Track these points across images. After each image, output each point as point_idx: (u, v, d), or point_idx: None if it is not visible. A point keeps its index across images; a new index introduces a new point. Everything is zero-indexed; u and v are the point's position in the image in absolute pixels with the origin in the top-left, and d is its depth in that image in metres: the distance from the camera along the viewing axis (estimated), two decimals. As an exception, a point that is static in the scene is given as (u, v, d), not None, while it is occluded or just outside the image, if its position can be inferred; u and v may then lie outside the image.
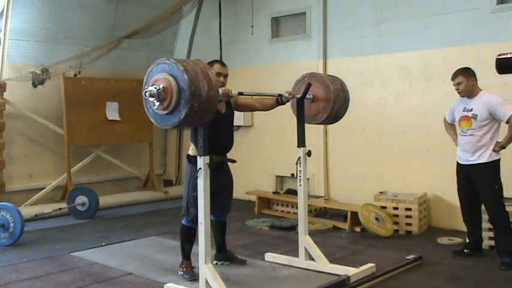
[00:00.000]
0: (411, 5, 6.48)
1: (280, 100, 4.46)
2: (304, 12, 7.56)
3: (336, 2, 7.21)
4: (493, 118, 4.69)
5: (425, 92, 6.41)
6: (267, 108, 4.59)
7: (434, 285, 4.29)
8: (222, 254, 4.68)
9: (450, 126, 5.20)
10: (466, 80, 4.76)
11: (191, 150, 4.20)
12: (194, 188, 3.91)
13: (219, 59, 8.32)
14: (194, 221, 4.02)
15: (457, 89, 4.84)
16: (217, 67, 4.22)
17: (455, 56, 6.01)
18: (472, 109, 4.77)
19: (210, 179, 3.76)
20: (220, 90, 3.96)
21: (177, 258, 4.44)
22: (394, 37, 6.65)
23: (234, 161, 4.29)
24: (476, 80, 4.81)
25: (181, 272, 4.30)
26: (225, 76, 4.27)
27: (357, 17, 7.00)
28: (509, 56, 3.71)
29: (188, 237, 4.32)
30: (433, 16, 6.27)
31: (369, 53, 6.88)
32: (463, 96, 4.87)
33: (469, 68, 4.85)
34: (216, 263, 4.57)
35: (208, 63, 4.18)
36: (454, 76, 4.84)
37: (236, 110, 4.49)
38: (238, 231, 6.03)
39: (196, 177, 3.77)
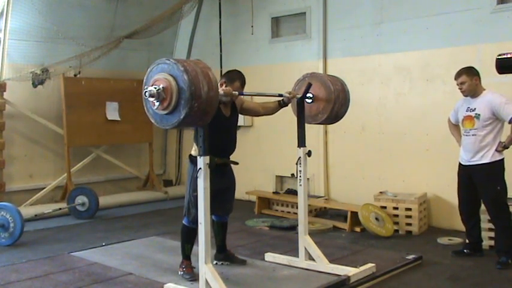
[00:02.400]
0: (411, 5, 6.48)
1: (282, 103, 4.48)
2: (304, 12, 7.56)
3: (336, 2, 7.21)
4: (496, 118, 4.67)
5: (425, 92, 6.41)
6: (270, 112, 4.60)
7: (434, 285, 4.29)
8: (222, 254, 4.67)
9: (454, 127, 5.16)
10: (469, 80, 4.73)
11: (194, 150, 4.19)
12: (195, 188, 3.92)
13: (219, 59, 8.36)
14: (194, 221, 4.02)
15: (460, 89, 4.81)
16: (238, 85, 4.22)
17: (455, 56, 6.01)
18: (475, 109, 4.75)
19: (212, 180, 3.77)
20: (221, 91, 3.97)
21: (177, 258, 4.44)
22: (394, 37, 6.64)
23: (236, 163, 4.32)
24: (479, 79, 4.78)
25: (181, 272, 4.31)
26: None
27: (357, 17, 7.00)
28: (509, 56, 3.71)
29: (189, 237, 4.32)
30: (433, 16, 6.27)
31: (369, 53, 6.88)
32: (466, 96, 4.84)
33: (473, 68, 4.82)
34: (216, 263, 4.56)
35: (230, 75, 4.23)
36: (458, 75, 4.81)
37: (241, 114, 4.53)
38: (238, 231, 6.02)
39: (196, 177, 3.78)
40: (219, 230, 4.63)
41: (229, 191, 4.48)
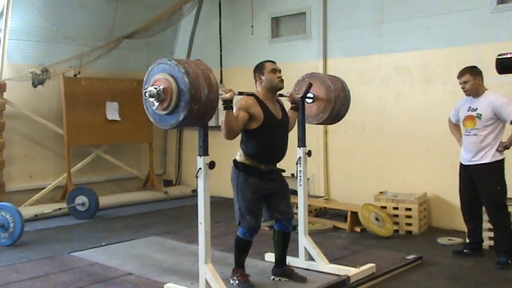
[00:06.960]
0: (411, 5, 6.48)
1: (295, 108, 4.37)
2: (304, 12, 7.56)
3: (336, 2, 7.21)
4: (497, 118, 4.65)
5: (425, 92, 6.41)
6: (295, 122, 4.41)
7: (434, 285, 4.29)
8: (280, 269, 4.26)
9: (455, 127, 5.15)
10: (472, 79, 4.72)
11: (239, 155, 3.99)
12: (244, 194, 3.87)
13: (219, 59, 8.37)
14: (252, 228, 3.90)
15: (462, 88, 4.79)
16: (270, 65, 4.01)
17: (455, 56, 6.01)
18: (476, 108, 4.73)
19: (258, 185, 3.85)
20: (221, 91, 3.94)
21: (177, 258, 4.45)
22: (394, 37, 6.65)
23: (283, 171, 4.15)
24: (482, 79, 4.77)
25: (236, 281, 4.03)
26: (280, 71, 4.05)
27: (357, 17, 7.00)
28: (509, 56, 3.72)
29: (243, 250, 4.05)
30: (433, 16, 6.27)
31: (369, 53, 6.88)
32: (468, 95, 4.83)
33: (476, 67, 4.80)
34: (274, 279, 4.25)
35: (260, 66, 4.03)
36: (461, 74, 4.78)
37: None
38: (238, 231, 6.02)
39: (242, 184, 3.84)
40: (279, 241, 4.22)
41: (278, 193, 4.09)
